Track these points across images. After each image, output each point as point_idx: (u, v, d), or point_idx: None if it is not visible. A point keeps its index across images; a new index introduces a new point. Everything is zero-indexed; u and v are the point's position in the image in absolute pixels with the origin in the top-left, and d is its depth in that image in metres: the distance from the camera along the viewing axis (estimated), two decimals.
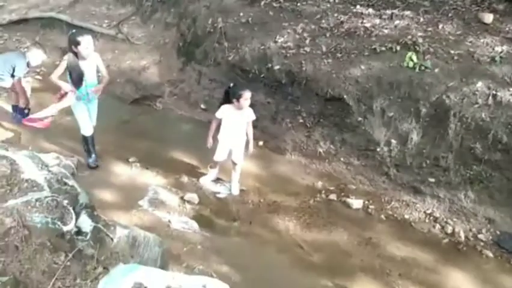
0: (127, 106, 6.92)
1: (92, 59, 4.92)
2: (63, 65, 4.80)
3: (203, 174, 5.43)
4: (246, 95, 4.74)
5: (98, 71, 5.09)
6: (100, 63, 5.06)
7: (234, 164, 5.14)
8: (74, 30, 4.99)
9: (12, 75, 5.74)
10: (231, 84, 4.88)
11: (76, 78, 4.79)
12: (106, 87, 5.23)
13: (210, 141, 5.02)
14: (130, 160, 5.52)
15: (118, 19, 8.23)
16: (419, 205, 5.17)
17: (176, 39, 7.25)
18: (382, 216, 5.04)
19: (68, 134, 5.78)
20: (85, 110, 5.14)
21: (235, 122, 4.89)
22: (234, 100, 4.74)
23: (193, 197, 4.96)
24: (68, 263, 2.63)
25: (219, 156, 5.08)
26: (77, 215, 3.23)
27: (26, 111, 5.94)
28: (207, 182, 5.30)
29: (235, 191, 5.19)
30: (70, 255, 2.67)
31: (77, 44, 4.68)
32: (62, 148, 5.43)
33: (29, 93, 6.07)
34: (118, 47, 7.79)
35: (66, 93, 4.87)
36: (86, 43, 4.69)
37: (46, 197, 2.87)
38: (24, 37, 8.63)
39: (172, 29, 7.53)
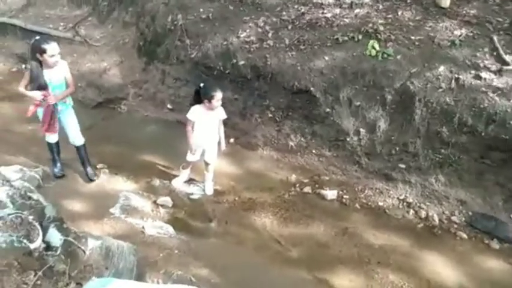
0: (90, 111, 6.70)
1: (59, 68, 4.57)
2: (27, 74, 4.50)
3: (175, 175, 5.33)
4: (218, 96, 4.63)
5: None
6: (67, 72, 4.68)
7: (207, 164, 5.06)
8: (38, 37, 4.64)
9: None
10: (201, 84, 4.72)
11: (39, 89, 4.45)
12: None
13: (194, 146, 4.87)
14: (98, 167, 5.34)
15: (74, 21, 7.95)
16: (392, 192, 5.24)
17: (136, 39, 7.06)
18: (357, 205, 5.08)
19: (32, 142, 5.55)
20: None
21: (207, 122, 4.78)
22: (205, 101, 4.62)
23: (166, 200, 4.85)
24: (39, 282, 2.52)
25: (191, 156, 4.98)
26: (45, 230, 3.10)
27: None
28: (179, 183, 5.20)
29: (209, 191, 5.12)
30: (39, 273, 2.55)
31: (43, 51, 4.35)
32: (26, 158, 5.19)
33: None
34: (76, 50, 7.53)
35: (41, 101, 4.47)
36: (52, 50, 4.36)
37: (9, 214, 2.73)
38: None
39: (131, 28, 7.33)
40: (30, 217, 2.85)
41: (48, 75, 4.50)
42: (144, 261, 3.57)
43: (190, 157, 4.99)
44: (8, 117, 6.31)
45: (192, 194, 5.13)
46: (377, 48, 5.27)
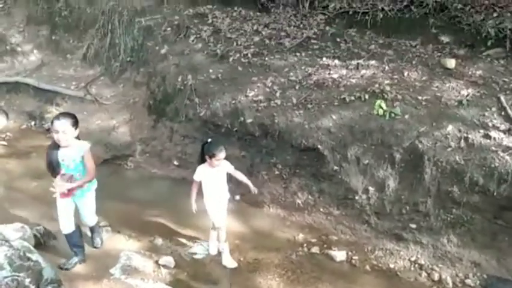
0: (97, 167, 6.67)
1: (75, 148, 4.12)
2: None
3: (178, 234, 5.21)
4: (219, 156, 4.55)
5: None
6: (86, 154, 4.14)
7: (218, 229, 4.87)
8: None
9: None
10: (209, 140, 4.68)
11: (48, 166, 4.14)
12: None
13: (195, 206, 4.73)
14: (101, 225, 5.23)
15: (86, 80, 8.14)
16: (403, 252, 5.07)
17: (147, 98, 7.20)
18: (367, 267, 4.89)
19: (36, 199, 5.49)
20: (64, 206, 4.31)
21: (215, 180, 4.69)
22: (207, 157, 4.57)
23: (168, 260, 4.69)
24: None
25: (219, 219, 4.76)
26: None
27: None
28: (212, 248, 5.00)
29: (213, 251, 4.96)
30: None
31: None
32: (28, 215, 5.12)
33: None
34: (87, 108, 7.65)
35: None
36: (57, 127, 3.98)
37: (5, 277, 2.62)
38: None
39: (141, 88, 7.48)
40: (27, 280, 2.74)
41: (61, 155, 4.14)
42: None
43: (219, 221, 4.78)
44: (14, 174, 6.32)
45: (195, 253, 4.97)
46: (384, 107, 5.30)
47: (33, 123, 7.94)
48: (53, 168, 4.16)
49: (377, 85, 5.62)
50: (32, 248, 3.25)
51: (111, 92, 7.87)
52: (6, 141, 7.27)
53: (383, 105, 5.33)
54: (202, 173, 4.65)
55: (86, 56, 8.42)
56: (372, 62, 6.20)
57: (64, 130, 3.98)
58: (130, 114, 7.35)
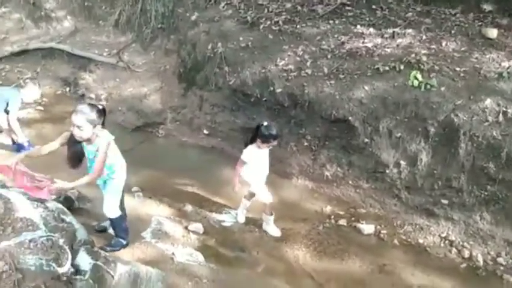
0: (129, 134, 6.81)
1: (93, 143, 3.73)
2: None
3: (207, 202, 5.29)
4: (274, 143, 4.54)
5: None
6: (100, 150, 3.69)
7: (251, 194, 4.90)
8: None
9: (6, 111, 5.63)
10: (265, 123, 4.50)
11: (70, 158, 3.86)
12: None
13: (238, 185, 4.71)
14: (133, 190, 5.36)
15: (118, 47, 8.21)
16: (433, 228, 5.00)
17: (177, 65, 7.20)
18: (395, 241, 4.85)
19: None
20: None
21: (262, 159, 4.66)
22: (259, 140, 4.46)
23: (197, 227, 4.78)
24: None
25: (267, 194, 4.77)
26: (75, 253, 3.08)
27: (26, 144, 5.82)
28: (268, 227, 4.92)
29: (242, 219, 5.02)
30: None
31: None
32: (65, 178, 5.25)
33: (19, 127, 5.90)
34: (119, 75, 7.74)
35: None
36: (73, 121, 3.57)
37: (41, 236, 2.73)
38: (26, 68, 8.60)
39: (172, 55, 7.48)
40: (61, 240, 2.83)
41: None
42: None
43: (268, 197, 4.78)
44: (50, 138, 6.44)
45: (223, 221, 5.05)
46: (420, 78, 5.11)
47: (67, 89, 8.11)
48: (79, 159, 3.84)
49: (413, 55, 5.41)
50: (66, 210, 3.35)
51: (142, 59, 7.92)
52: (42, 106, 7.46)
53: (419, 76, 5.14)
54: (250, 153, 4.57)
55: (118, 23, 8.46)
56: (409, 31, 5.95)
57: (79, 125, 3.54)
58: (161, 82, 7.39)
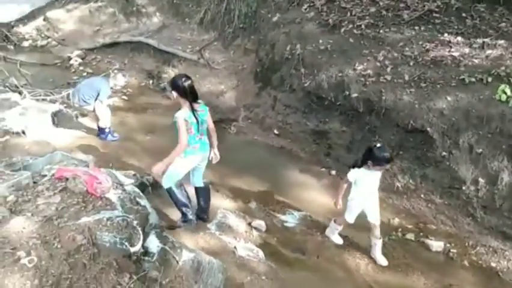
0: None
1: None
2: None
3: (272, 201, 5.33)
4: (386, 166, 4.32)
5: None
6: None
7: (374, 226, 4.47)
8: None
9: (96, 99, 6.10)
10: (378, 144, 4.16)
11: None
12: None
13: (340, 203, 4.44)
14: (204, 181, 5.55)
15: (200, 44, 8.54)
16: (509, 253, 4.66)
17: (254, 65, 7.34)
18: (465, 262, 4.58)
19: (148, 152, 6.00)
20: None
21: (371, 181, 4.31)
22: (371, 162, 4.12)
23: (260, 224, 4.85)
24: (132, 285, 2.63)
25: (351, 218, 4.50)
26: (146, 235, 3.27)
27: (107, 130, 6.28)
28: (331, 235, 4.79)
29: (384, 262, 4.47)
30: (135, 277, 2.67)
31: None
32: (140, 165, 5.60)
33: (109, 114, 6.36)
34: (199, 71, 8.05)
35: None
36: None
37: (117, 216, 2.93)
38: (115, 59, 9.24)
39: (251, 55, 7.64)
40: (135, 222, 3.03)
41: None
42: (231, 282, 3.59)
43: (348, 218, 4.51)
44: (131, 127, 6.94)
45: (286, 221, 5.07)
46: (509, 93, 4.78)
47: (151, 81, 8.58)
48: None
49: (503, 68, 5.08)
50: (142, 194, 3.57)
51: (222, 57, 8.16)
52: (127, 96, 7.96)
53: (508, 90, 4.81)
54: (357, 174, 4.25)
55: (202, 21, 8.80)
56: (501, 42, 5.58)
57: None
58: (238, 80, 7.58)
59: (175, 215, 4.74)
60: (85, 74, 8.78)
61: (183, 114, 3.91)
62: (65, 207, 2.97)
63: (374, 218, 4.44)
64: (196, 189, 4.60)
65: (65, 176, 3.38)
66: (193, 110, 3.94)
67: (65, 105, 7.02)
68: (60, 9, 10.83)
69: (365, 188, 4.32)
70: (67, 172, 3.43)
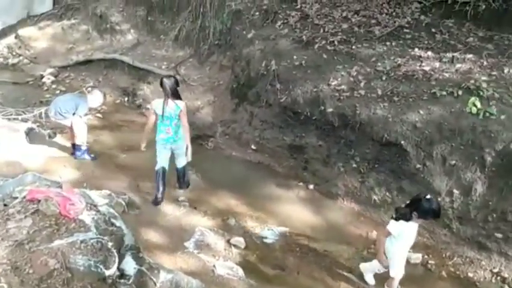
0: None
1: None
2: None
3: (251, 217, 5.31)
4: (432, 220, 4.20)
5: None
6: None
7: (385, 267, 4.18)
8: None
9: (74, 114, 5.98)
10: (427, 196, 3.86)
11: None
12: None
13: (384, 259, 4.07)
14: (180, 199, 5.51)
15: (176, 61, 8.53)
16: (485, 262, 4.74)
17: (230, 81, 7.36)
18: (443, 273, 4.64)
19: (124, 170, 5.93)
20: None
21: (411, 234, 3.99)
22: (416, 214, 3.82)
23: (239, 241, 4.81)
24: None
25: (400, 270, 4.13)
26: (122, 257, 3.19)
27: (83, 147, 6.13)
28: (367, 272, 4.46)
29: (371, 281, 4.40)
30: None
31: None
32: (117, 184, 5.50)
33: (85, 132, 6.24)
34: None
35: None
36: None
37: (91, 238, 2.86)
38: (88, 77, 9.13)
39: (226, 71, 7.67)
40: (110, 243, 2.95)
41: None
42: None
43: (397, 272, 4.12)
44: (106, 145, 6.82)
45: (265, 237, 5.04)
46: (479, 106, 4.92)
47: (126, 99, 8.49)
48: None
49: (472, 81, 5.22)
50: (117, 215, 3.49)
51: (198, 73, 8.16)
52: (101, 114, 7.85)
53: (478, 103, 4.94)
54: (400, 227, 3.90)
55: (177, 38, 8.80)
56: (469, 56, 5.75)
57: None
58: (214, 96, 7.59)
59: (151, 234, 4.67)
60: (57, 92, 8.61)
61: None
62: (37, 230, 2.88)
63: (400, 271, 4.14)
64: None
65: (37, 197, 3.28)
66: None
67: (37, 124, 6.87)
68: (32, 26, 10.67)
69: (405, 241, 3.99)
70: (39, 194, 3.33)
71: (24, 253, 2.67)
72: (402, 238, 3.94)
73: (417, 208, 3.81)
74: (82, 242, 2.79)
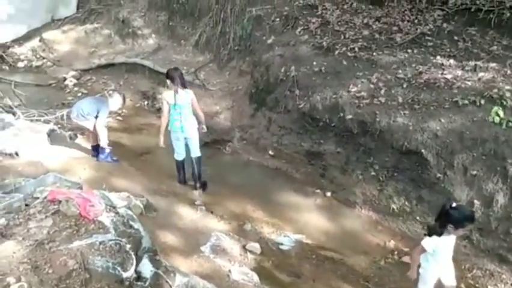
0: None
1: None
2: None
3: (267, 222, 5.29)
4: (470, 226, 3.89)
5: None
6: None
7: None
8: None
9: (96, 117, 6.06)
10: (453, 204, 3.64)
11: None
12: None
13: (415, 275, 3.88)
14: (196, 203, 5.53)
15: (196, 66, 8.60)
16: (505, 276, 4.64)
17: (249, 86, 7.38)
18: (462, 285, 4.53)
19: (142, 173, 5.98)
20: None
21: (448, 248, 3.77)
22: (451, 226, 3.59)
23: (255, 246, 4.80)
24: None
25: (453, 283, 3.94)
26: (139, 259, 3.21)
27: (107, 150, 6.21)
28: None
29: None
30: None
31: None
32: (135, 187, 5.55)
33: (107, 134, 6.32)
34: (194, 92, 7.98)
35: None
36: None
37: (110, 240, 2.88)
38: (110, 80, 9.27)
39: (246, 76, 7.69)
40: (128, 245, 2.97)
41: None
42: None
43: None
44: (126, 148, 6.91)
45: (281, 244, 5.02)
46: (502, 115, 4.83)
47: (146, 102, 8.59)
48: None
49: (495, 90, 5.13)
50: (135, 217, 3.51)
51: (217, 78, 8.21)
52: (122, 117, 7.95)
53: (501, 112, 4.85)
54: (436, 243, 3.67)
55: (198, 43, 8.88)
56: (493, 65, 5.65)
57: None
58: (233, 101, 7.61)
59: (168, 237, 4.69)
60: (79, 94, 8.78)
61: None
62: (57, 230, 2.92)
63: (451, 281, 3.93)
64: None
65: (57, 198, 3.32)
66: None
67: (59, 125, 6.99)
68: (56, 30, 10.89)
69: (442, 256, 3.77)
70: (59, 194, 3.38)
71: (44, 253, 2.71)
72: (437, 253, 3.73)
73: (448, 220, 3.58)
74: (100, 243, 2.81)
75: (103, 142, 6.11)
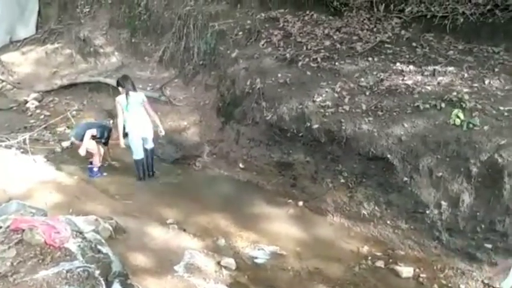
0: (167, 166, 6.99)
1: None
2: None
3: (240, 236, 5.25)
4: None
5: None
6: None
7: None
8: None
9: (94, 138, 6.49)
10: None
11: None
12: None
13: None
14: (168, 222, 5.44)
15: (161, 82, 8.51)
16: (476, 273, 4.75)
17: (216, 100, 7.37)
18: (435, 286, 4.63)
19: (109, 195, 5.88)
20: None
21: None
22: None
23: (230, 262, 4.75)
24: None
25: None
26: (110, 284, 3.13)
27: (95, 169, 6.52)
28: None
29: None
30: None
31: None
32: (102, 209, 5.42)
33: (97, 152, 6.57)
34: (161, 108, 7.97)
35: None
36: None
37: (78, 267, 2.79)
38: (73, 101, 9.05)
39: (212, 91, 7.68)
40: (97, 272, 2.89)
41: None
42: None
43: None
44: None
45: (256, 257, 4.99)
46: (462, 117, 4.99)
47: (111, 121, 8.42)
48: None
49: (454, 93, 5.30)
50: (103, 241, 3.43)
51: (183, 94, 8.15)
52: None
53: (461, 115, 5.02)
54: None
55: (162, 59, 8.79)
56: (450, 69, 5.85)
57: None
58: (200, 116, 7.57)
59: (140, 259, 4.59)
60: (42, 116, 8.55)
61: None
62: (22, 261, 2.81)
63: None
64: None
65: (21, 227, 3.21)
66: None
67: (21, 150, 6.78)
68: (15, 52, 10.58)
69: None
70: (23, 223, 3.26)
71: (8, 285, 2.60)
72: None
73: None
74: (67, 271, 2.72)
75: (95, 160, 6.54)
